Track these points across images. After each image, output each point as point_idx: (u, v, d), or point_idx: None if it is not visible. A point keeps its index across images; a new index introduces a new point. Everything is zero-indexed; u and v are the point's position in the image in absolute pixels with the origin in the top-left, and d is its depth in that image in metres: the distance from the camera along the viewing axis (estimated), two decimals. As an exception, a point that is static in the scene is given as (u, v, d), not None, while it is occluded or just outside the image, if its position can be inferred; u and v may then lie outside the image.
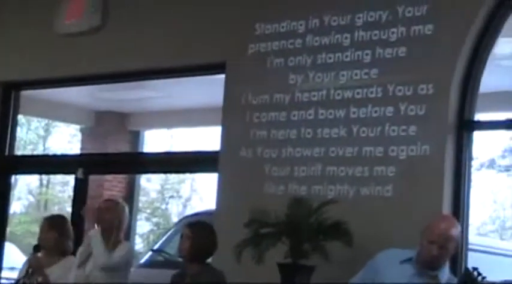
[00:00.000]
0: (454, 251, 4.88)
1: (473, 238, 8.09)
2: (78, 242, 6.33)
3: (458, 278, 4.52)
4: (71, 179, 9.24)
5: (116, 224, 5.82)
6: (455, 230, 4.87)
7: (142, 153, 11.67)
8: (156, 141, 16.05)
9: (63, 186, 20.27)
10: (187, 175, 21.94)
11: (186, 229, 5.47)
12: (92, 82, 8.65)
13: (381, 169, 6.13)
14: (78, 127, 14.35)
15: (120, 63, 7.82)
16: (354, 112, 6.34)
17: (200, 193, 21.28)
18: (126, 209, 6.09)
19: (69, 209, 9.69)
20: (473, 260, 5.81)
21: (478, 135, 6.41)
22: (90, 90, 10.34)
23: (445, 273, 4.82)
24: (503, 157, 20.15)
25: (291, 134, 6.63)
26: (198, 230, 5.40)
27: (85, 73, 8.17)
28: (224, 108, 7.16)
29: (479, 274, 4.10)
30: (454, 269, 5.43)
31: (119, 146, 12.09)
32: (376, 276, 4.91)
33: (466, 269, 4.28)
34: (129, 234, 9.66)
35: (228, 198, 6.96)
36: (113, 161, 8.86)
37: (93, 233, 5.93)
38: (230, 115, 7.10)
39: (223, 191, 7.04)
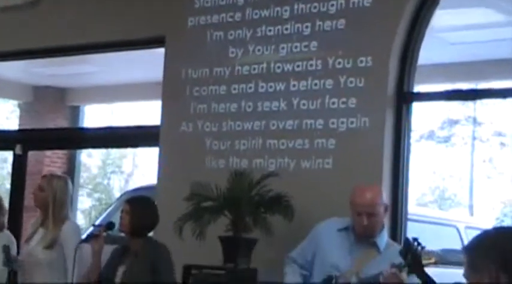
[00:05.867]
0: (385, 214, 4.89)
1: (413, 208, 8.20)
2: (17, 218, 6.24)
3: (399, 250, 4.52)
4: (9, 155, 9.11)
5: (51, 200, 5.62)
6: (380, 196, 4.90)
7: (82, 128, 11.57)
8: (96, 116, 15.89)
9: (2, 162, 19.99)
10: (129, 151, 21.80)
11: (125, 205, 5.43)
12: (30, 57, 8.52)
13: (321, 141, 6.16)
14: (16, 103, 14.16)
15: (58, 37, 7.71)
16: (294, 85, 6.35)
17: (142, 168, 21.18)
18: (64, 182, 5.80)
19: (8, 186, 9.57)
20: (413, 230, 5.89)
21: (417, 107, 6.48)
22: (28, 65, 10.19)
23: (383, 238, 4.86)
24: (442, 128, 20.43)
25: (231, 108, 6.62)
26: (138, 205, 5.37)
27: (22, 48, 8.04)
28: (164, 83, 7.11)
29: (419, 244, 4.13)
30: (394, 239, 5.50)
31: (58, 122, 11.96)
32: (316, 247, 4.93)
33: (406, 239, 4.31)
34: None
35: (169, 172, 6.94)
36: (52, 137, 8.77)
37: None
38: (170, 89, 7.06)
39: (164, 165, 7.01)
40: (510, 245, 2.51)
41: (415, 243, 4.13)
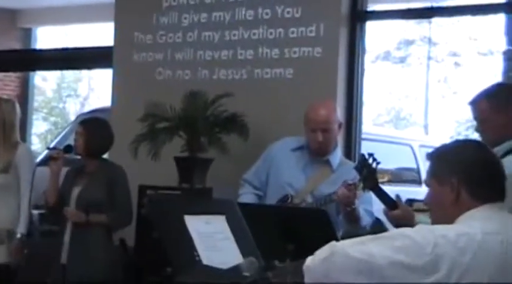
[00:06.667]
0: (339, 131, 4.89)
1: (368, 127, 8.26)
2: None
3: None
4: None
5: (1, 124, 5.51)
6: (334, 112, 4.86)
7: (34, 50, 11.35)
8: (49, 38, 15.64)
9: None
10: (84, 74, 21.60)
11: (79, 126, 5.38)
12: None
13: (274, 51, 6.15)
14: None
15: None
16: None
17: (98, 91, 21.01)
18: (12, 106, 5.64)
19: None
20: (367, 149, 5.91)
21: (373, 27, 6.46)
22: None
23: (336, 156, 4.87)
24: (398, 49, 20.49)
25: (195, 19, 6.56)
26: (91, 126, 5.32)
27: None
28: (117, 2, 7.02)
29: (374, 159, 4.12)
30: (348, 158, 5.54)
31: (10, 44, 11.72)
32: (270, 168, 4.91)
33: (362, 155, 4.29)
34: (25, 134, 9.50)
35: (123, 94, 6.90)
36: (4, 59, 8.63)
37: None
38: (123, 9, 6.97)
39: (118, 87, 6.97)
40: (473, 159, 2.52)
41: (371, 159, 4.14)
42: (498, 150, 3.60)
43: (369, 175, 4.12)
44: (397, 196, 4.06)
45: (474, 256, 2.33)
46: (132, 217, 5.32)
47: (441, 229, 2.40)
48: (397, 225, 3.95)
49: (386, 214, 4.00)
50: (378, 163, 4.11)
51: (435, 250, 2.31)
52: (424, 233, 2.35)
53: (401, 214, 3.93)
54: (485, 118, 3.67)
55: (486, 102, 3.67)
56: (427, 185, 2.63)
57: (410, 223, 3.79)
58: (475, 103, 3.72)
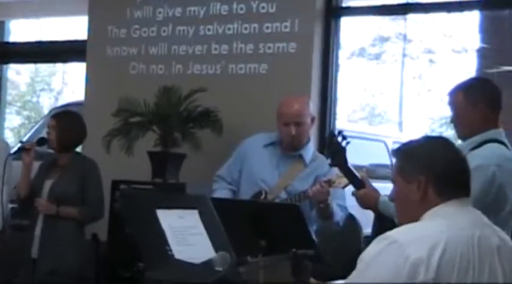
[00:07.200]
0: (311, 125, 4.89)
1: (343, 124, 8.28)
2: None
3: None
4: None
5: None
6: (307, 106, 4.87)
7: (7, 43, 11.23)
8: (22, 31, 15.51)
9: None
10: (58, 68, 21.48)
11: (51, 120, 5.34)
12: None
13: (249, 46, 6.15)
14: None
15: None
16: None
17: (72, 85, 20.89)
18: None
19: None
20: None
21: (347, 23, 6.47)
22: None
23: (309, 151, 4.87)
24: (373, 45, 20.53)
25: (169, 13, 6.53)
26: (63, 120, 5.29)
27: None
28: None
29: (344, 137, 4.10)
30: (322, 154, 5.54)
31: (-18, 37, 11.61)
32: (243, 164, 4.89)
33: (331, 131, 4.27)
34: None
35: (97, 87, 6.86)
36: (-24, 52, 8.54)
37: None
38: (97, 2, 6.93)
39: (92, 80, 6.94)
40: (442, 158, 2.52)
41: (340, 136, 4.12)
42: (470, 142, 3.65)
43: (336, 151, 4.10)
44: (364, 176, 4.06)
45: (443, 252, 2.33)
46: (103, 212, 5.29)
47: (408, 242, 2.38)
48: (363, 205, 3.98)
49: (353, 194, 4.01)
50: (348, 142, 4.09)
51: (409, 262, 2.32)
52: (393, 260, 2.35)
53: (367, 193, 3.95)
54: (461, 110, 3.72)
55: (462, 94, 3.72)
56: (393, 181, 2.62)
57: (376, 203, 3.83)
58: (452, 95, 3.78)
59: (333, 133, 4.19)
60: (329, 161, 4.19)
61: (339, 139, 4.10)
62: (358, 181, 4.02)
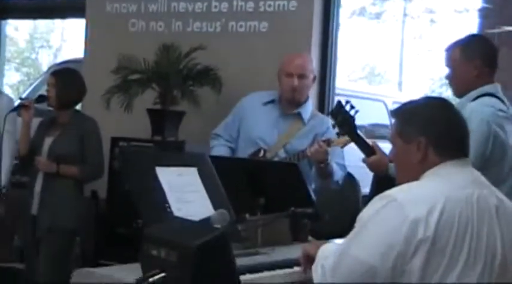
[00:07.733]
0: (312, 83, 4.89)
1: (342, 83, 8.25)
2: None
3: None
4: None
5: None
6: (310, 62, 4.90)
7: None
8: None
9: None
10: (57, 24, 21.36)
11: (50, 77, 5.30)
12: None
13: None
14: None
15: None
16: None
17: (71, 42, 20.80)
18: None
19: None
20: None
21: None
22: None
23: (308, 109, 4.85)
24: (374, 4, 20.41)
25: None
26: (63, 77, 5.26)
27: None
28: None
29: (352, 106, 4.09)
30: (322, 113, 5.53)
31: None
32: (241, 122, 4.88)
33: (338, 101, 4.25)
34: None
35: (96, 44, 6.83)
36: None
37: None
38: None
39: (91, 37, 6.90)
40: (442, 119, 2.51)
41: (348, 105, 4.11)
42: (467, 97, 3.68)
43: (344, 120, 4.10)
44: (375, 143, 4.05)
45: (442, 212, 2.34)
46: (103, 170, 5.29)
47: (408, 201, 2.38)
48: (374, 171, 3.98)
49: (364, 161, 4.00)
50: (357, 111, 4.08)
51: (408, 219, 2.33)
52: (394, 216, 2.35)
53: (378, 160, 3.93)
54: (457, 66, 3.75)
55: (458, 50, 3.76)
56: (392, 142, 2.61)
57: (387, 169, 3.83)
58: (449, 51, 3.80)
59: (340, 103, 4.18)
60: (337, 130, 4.18)
61: (347, 108, 4.09)
62: (369, 148, 4.00)
